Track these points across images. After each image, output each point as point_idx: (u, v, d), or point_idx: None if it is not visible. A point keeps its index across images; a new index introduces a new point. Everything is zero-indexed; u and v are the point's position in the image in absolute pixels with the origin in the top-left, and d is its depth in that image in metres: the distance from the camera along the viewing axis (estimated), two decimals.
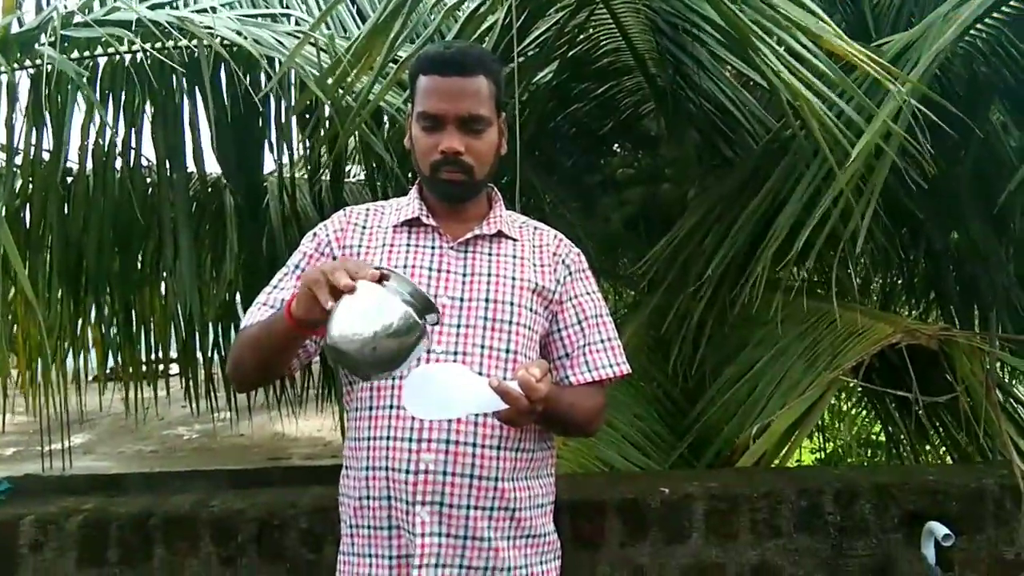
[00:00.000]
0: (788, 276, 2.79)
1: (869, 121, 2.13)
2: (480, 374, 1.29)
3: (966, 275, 3.33)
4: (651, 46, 3.06)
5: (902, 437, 3.68)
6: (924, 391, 2.41)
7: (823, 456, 5.62)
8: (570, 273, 1.46)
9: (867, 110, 2.16)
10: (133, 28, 2.25)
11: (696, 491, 2.06)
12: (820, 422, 4.81)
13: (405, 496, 1.31)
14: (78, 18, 2.28)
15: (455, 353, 1.32)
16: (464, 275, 1.38)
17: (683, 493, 2.05)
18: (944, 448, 3.24)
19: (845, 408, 5.35)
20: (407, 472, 1.30)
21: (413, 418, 1.29)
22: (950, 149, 2.64)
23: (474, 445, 1.31)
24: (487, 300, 1.36)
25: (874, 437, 5.50)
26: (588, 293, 1.47)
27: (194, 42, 2.29)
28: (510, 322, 1.36)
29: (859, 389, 4.04)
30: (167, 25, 2.20)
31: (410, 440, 1.30)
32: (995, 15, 2.53)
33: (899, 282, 4.02)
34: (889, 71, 2.02)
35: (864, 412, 5.20)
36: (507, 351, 1.35)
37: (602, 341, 1.44)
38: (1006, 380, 3.34)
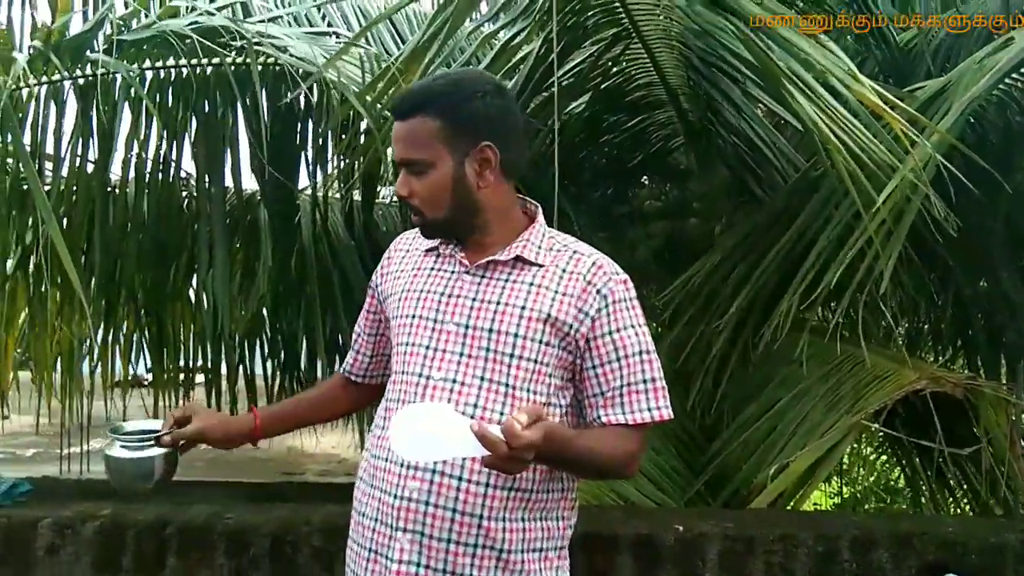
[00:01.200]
0: (813, 316, 2.77)
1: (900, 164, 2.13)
2: (476, 406, 1.28)
3: (994, 324, 3.29)
4: (683, 81, 3.08)
5: (922, 486, 3.62)
6: (947, 440, 2.38)
7: (841, 500, 5.52)
8: (607, 304, 1.34)
9: (897, 154, 2.16)
10: (184, 40, 2.29)
11: (711, 530, 2.05)
12: (839, 466, 4.74)
13: (390, 520, 1.31)
14: (135, 22, 2.34)
15: (453, 381, 1.31)
16: (473, 300, 1.35)
17: (698, 532, 2.04)
18: (965, 499, 3.19)
19: (865, 453, 5.27)
20: (394, 496, 1.31)
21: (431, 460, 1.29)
22: (982, 197, 2.62)
23: (460, 479, 1.28)
24: (491, 330, 1.32)
25: (893, 483, 5.41)
26: (631, 327, 1.36)
27: (240, 59, 2.34)
28: (511, 355, 1.31)
29: (880, 434, 3.98)
30: (223, 33, 2.25)
31: (401, 465, 1.30)
32: None
33: (926, 328, 3.97)
34: (917, 120, 2.02)
35: (884, 458, 5.12)
36: (506, 385, 1.30)
37: (644, 381, 1.35)
38: None
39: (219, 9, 2.48)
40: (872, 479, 5.55)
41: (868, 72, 3.22)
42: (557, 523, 1.39)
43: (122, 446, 1.52)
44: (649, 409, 1.35)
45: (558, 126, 3.11)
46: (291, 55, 2.26)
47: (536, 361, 1.32)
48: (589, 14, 2.66)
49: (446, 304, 1.36)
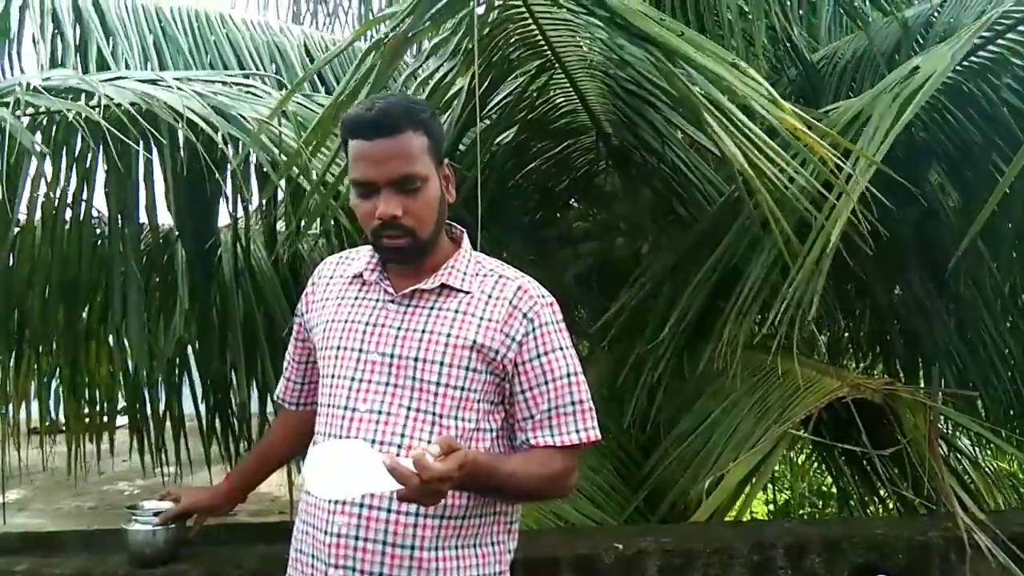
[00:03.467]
0: (740, 331, 2.84)
1: (822, 185, 2.21)
2: (404, 436, 1.26)
3: (910, 331, 3.43)
4: (606, 107, 3.14)
5: (850, 489, 3.74)
6: (871, 443, 2.47)
7: (775, 508, 5.64)
8: (533, 328, 1.35)
9: (819, 177, 2.24)
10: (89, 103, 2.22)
11: (650, 547, 2.06)
12: (773, 474, 4.85)
13: (323, 556, 1.29)
14: (36, 81, 2.25)
15: (379, 412, 1.29)
16: (399, 330, 1.33)
17: (637, 549, 2.05)
18: (890, 500, 3.29)
19: (796, 460, 5.41)
20: (324, 532, 1.29)
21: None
22: (894, 210, 2.75)
23: (388, 511, 1.26)
24: (416, 359, 1.31)
25: (825, 488, 5.56)
26: (558, 349, 1.37)
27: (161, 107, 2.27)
28: (437, 383, 1.30)
29: (810, 442, 4.10)
30: (144, 102, 2.19)
31: (327, 501, 1.28)
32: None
33: (846, 336, 4.11)
34: (840, 144, 2.11)
35: (815, 464, 5.26)
36: (433, 414, 1.29)
37: (572, 403, 1.36)
38: (949, 432, 3.43)
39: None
40: (804, 485, 5.69)
41: (781, 92, 3.35)
42: (492, 548, 1.37)
43: (135, 521, 1.88)
44: (577, 431, 1.36)
45: (487, 157, 3.16)
46: (209, 123, 2.19)
47: (463, 388, 1.32)
48: (512, 48, 2.71)
49: (371, 334, 1.34)
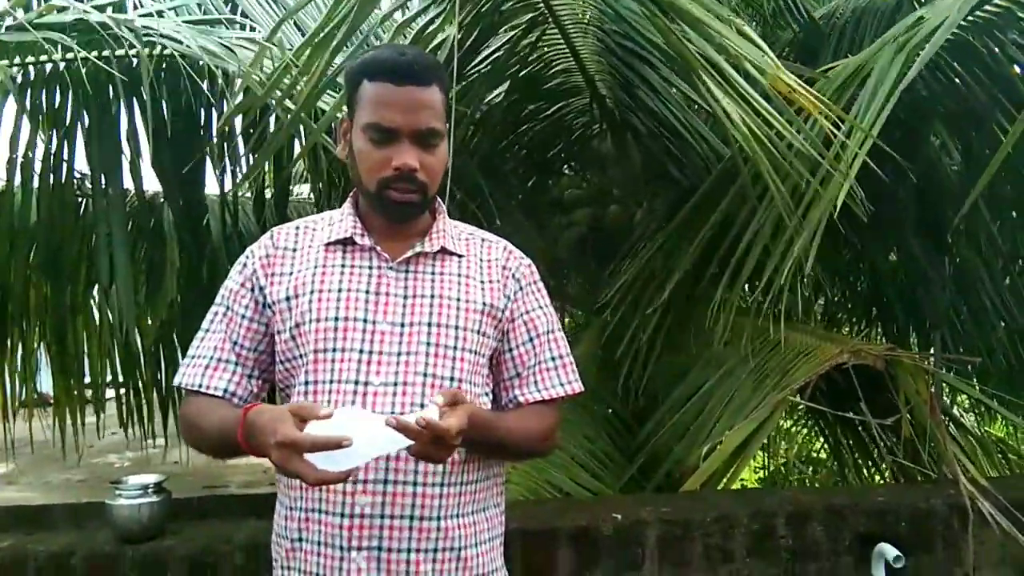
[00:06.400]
0: (736, 297, 2.80)
1: (817, 148, 2.15)
2: (422, 406, 1.20)
3: (907, 295, 3.40)
4: (601, 67, 3.06)
5: (847, 457, 3.73)
6: (869, 410, 2.43)
7: (766, 474, 5.67)
8: (520, 287, 1.37)
9: (815, 143, 2.18)
10: (71, 31, 2.13)
11: (649, 516, 2.03)
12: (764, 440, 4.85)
13: (339, 542, 1.22)
14: (8, 20, 2.16)
15: (395, 383, 1.23)
16: (405, 297, 1.28)
17: (635, 519, 2.02)
18: (886, 467, 3.28)
19: (788, 426, 5.42)
20: (341, 516, 1.21)
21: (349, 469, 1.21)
22: (892, 171, 2.69)
23: (415, 484, 1.22)
24: (429, 324, 1.26)
25: (815, 455, 5.58)
26: (540, 307, 1.38)
27: (134, 51, 2.17)
28: (455, 347, 1.27)
29: (801, 407, 4.08)
30: (108, 27, 2.09)
31: (344, 482, 1.20)
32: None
33: (842, 302, 4.08)
34: (836, 106, 2.05)
35: (805, 430, 5.27)
36: (451, 379, 1.25)
37: (553, 359, 1.36)
38: (946, 401, 3.41)
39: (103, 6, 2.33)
40: (794, 452, 5.71)
41: (780, 51, 3.28)
42: (496, 511, 1.37)
43: (119, 496, 1.89)
44: (562, 384, 1.36)
45: (477, 116, 3.07)
46: (183, 46, 2.11)
47: (476, 352, 1.29)
48: None
49: (375, 303, 1.27)
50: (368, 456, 1.07)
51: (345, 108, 1.32)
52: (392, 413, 1.19)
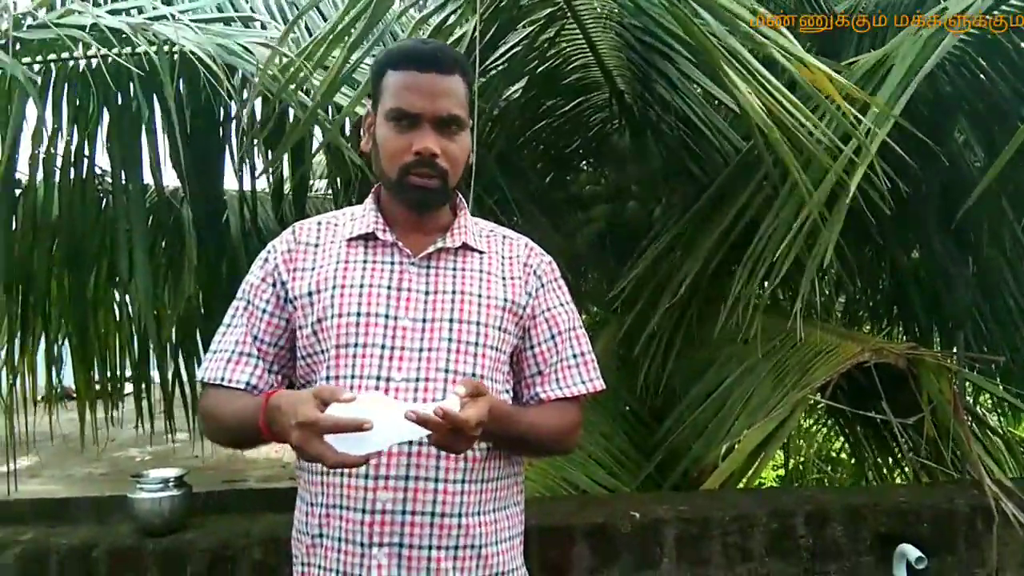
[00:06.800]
0: (755, 294, 2.78)
1: (841, 140, 2.13)
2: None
3: (929, 293, 3.35)
4: (620, 62, 3.04)
5: (867, 456, 3.69)
6: (890, 410, 2.41)
7: (784, 473, 5.63)
8: (542, 284, 1.37)
9: (838, 129, 2.15)
10: (89, 32, 2.16)
11: (667, 515, 2.02)
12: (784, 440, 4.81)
13: (359, 538, 1.22)
14: (30, 20, 2.18)
15: (416, 380, 1.22)
16: (427, 293, 1.28)
17: (653, 517, 2.01)
18: (907, 466, 3.24)
19: (807, 425, 5.37)
20: (363, 512, 1.21)
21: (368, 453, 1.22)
22: (915, 168, 2.65)
23: (436, 480, 1.22)
24: (451, 320, 1.26)
25: (834, 454, 5.53)
26: (561, 305, 1.38)
27: (153, 48, 2.19)
28: (476, 344, 1.26)
29: (820, 406, 4.05)
30: (124, 31, 2.12)
31: (366, 477, 1.21)
32: (962, 36, 2.56)
33: (863, 300, 4.04)
34: (856, 94, 2.02)
35: (824, 429, 5.22)
36: (473, 376, 1.24)
37: (575, 356, 1.36)
38: (968, 400, 3.37)
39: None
40: (812, 451, 5.66)
41: (802, 45, 3.24)
42: (516, 509, 1.37)
43: (140, 489, 1.92)
44: (583, 382, 1.36)
45: (495, 112, 3.07)
46: (206, 50, 2.12)
47: (497, 349, 1.29)
48: None
49: (397, 299, 1.27)
50: (389, 441, 1.07)
51: (368, 105, 1.33)
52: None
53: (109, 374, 3.35)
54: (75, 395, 3.32)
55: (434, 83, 1.24)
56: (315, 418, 1.02)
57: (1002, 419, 3.98)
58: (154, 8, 2.45)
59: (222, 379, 1.30)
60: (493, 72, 2.90)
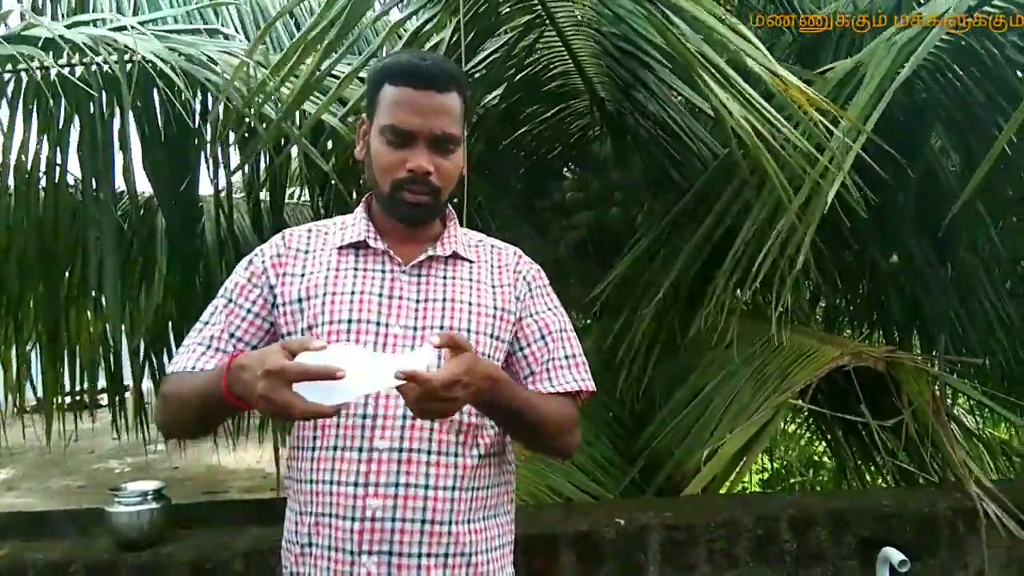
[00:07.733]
0: (734, 299, 2.78)
1: (816, 149, 2.15)
2: None
3: (908, 298, 3.38)
4: (600, 69, 3.05)
5: (847, 460, 3.71)
6: (870, 413, 2.42)
7: (766, 477, 5.65)
8: (531, 290, 1.37)
9: (812, 139, 2.17)
10: (47, 48, 2.13)
11: (652, 521, 2.01)
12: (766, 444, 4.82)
13: (349, 546, 1.20)
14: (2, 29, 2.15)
15: None
16: (418, 301, 1.27)
17: (639, 524, 2.00)
18: (887, 470, 3.27)
19: (789, 429, 5.40)
20: (352, 519, 1.20)
21: (359, 461, 1.19)
22: (892, 174, 2.68)
23: (427, 487, 1.21)
24: (442, 328, 1.26)
25: (816, 457, 5.56)
26: (550, 309, 1.38)
27: (114, 58, 2.16)
28: None
29: (804, 410, 4.07)
30: (88, 44, 2.09)
31: (355, 484, 1.20)
32: (937, 43, 2.59)
33: (843, 305, 4.07)
34: (831, 102, 2.04)
35: (806, 432, 5.25)
36: None
37: (566, 357, 1.35)
38: (948, 403, 3.40)
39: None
40: (794, 454, 5.69)
41: (779, 54, 3.27)
42: (506, 518, 1.36)
43: (118, 503, 1.89)
44: (575, 380, 1.34)
45: (474, 119, 3.06)
46: (167, 63, 2.10)
47: (488, 356, 1.28)
48: (501, 0, 2.60)
49: (388, 306, 1.26)
50: (359, 392, 1.04)
51: (364, 113, 1.33)
52: (405, 418, 1.20)
53: (81, 384, 3.30)
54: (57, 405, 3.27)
55: (431, 101, 1.23)
56: (282, 366, 0.99)
57: (980, 421, 4.02)
58: (114, 20, 2.42)
59: (193, 368, 1.27)
60: (472, 78, 2.89)
